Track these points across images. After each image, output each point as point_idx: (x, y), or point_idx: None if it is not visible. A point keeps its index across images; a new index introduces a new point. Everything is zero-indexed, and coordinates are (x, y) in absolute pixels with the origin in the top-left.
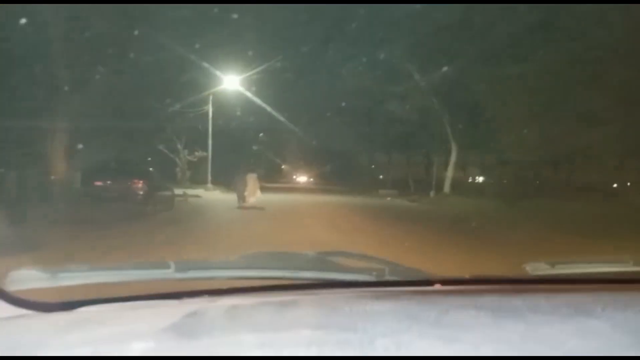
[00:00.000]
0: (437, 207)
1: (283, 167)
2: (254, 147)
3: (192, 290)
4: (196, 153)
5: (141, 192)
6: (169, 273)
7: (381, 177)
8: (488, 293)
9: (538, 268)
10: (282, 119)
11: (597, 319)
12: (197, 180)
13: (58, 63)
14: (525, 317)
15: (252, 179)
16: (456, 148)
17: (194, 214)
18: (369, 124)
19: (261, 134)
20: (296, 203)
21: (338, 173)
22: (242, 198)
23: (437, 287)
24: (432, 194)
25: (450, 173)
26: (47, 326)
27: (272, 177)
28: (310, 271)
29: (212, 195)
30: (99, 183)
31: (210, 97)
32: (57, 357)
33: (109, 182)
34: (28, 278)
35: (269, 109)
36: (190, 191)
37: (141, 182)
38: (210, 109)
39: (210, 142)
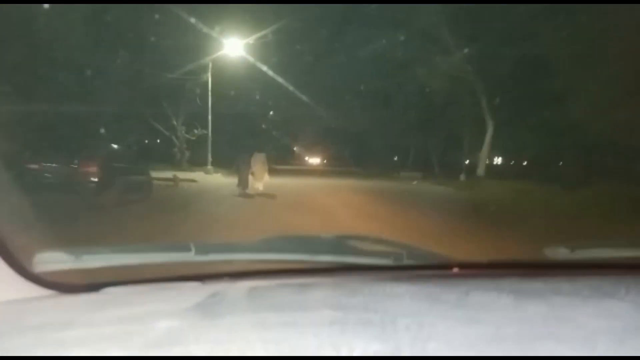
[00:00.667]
0: (477, 194)
1: (295, 148)
2: (263, 126)
3: (213, 273)
4: (195, 131)
5: (94, 178)
6: (190, 256)
7: (395, 158)
8: (508, 276)
9: (558, 252)
10: (292, 90)
11: (620, 301)
12: (198, 162)
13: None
14: (547, 298)
15: (259, 160)
16: (492, 125)
17: (177, 205)
18: (388, 100)
19: (271, 112)
20: (310, 189)
21: (353, 155)
22: (244, 183)
23: (456, 270)
24: (462, 177)
25: (485, 153)
26: (74, 305)
27: (283, 159)
28: (328, 254)
29: (212, 180)
30: (34, 166)
31: (210, 65)
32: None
33: (48, 164)
34: (53, 260)
35: (279, 79)
36: (186, 175)
37: (93, 164)
38: (209, 78)
39: (210, 117)
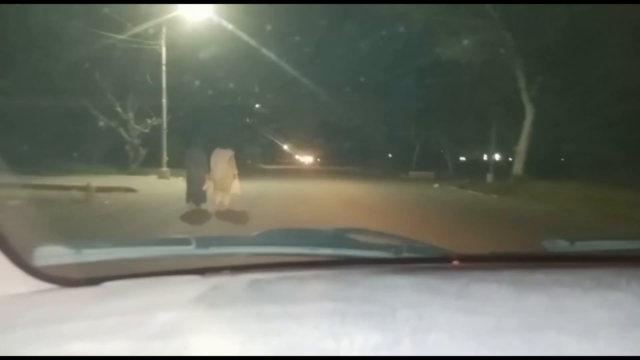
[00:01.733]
0: (536, 204)
1: (284, 146)
2: (248, 120)
3: (214, 266)
4: (148, 121)
5: None
6: (191, 249)
7: (391, 155)
8: (508, 269)
9: (558, 245)
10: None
11: (621, 292)
12: (158, 163)
13: None
14: (548, 289)
15: (222, 160)
16: (533, 112)
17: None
18: (389, 88)
19: (257, 105)
20: (300, 200)
21: (350, 151)
22: (197, 195)
23: (456, 263)
24: (489, 177)
25: (523, 147)
26: (74, 299)
27: (270, 158)
28: (329, 247)
29: (163, 187)
30: None
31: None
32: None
33: None
34: (53, 253)
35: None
36: (129, 180)
37: None
38: (163, 47)
39: (164, 102)
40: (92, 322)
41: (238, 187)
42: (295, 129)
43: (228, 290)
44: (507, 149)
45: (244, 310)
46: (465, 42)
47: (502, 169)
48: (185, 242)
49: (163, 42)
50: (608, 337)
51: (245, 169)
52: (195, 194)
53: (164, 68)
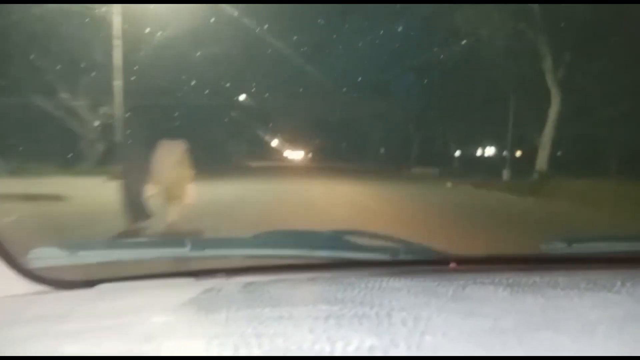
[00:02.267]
0: (591, 210)
1: (274, 141)
2: (232, 114)
3: (208, 269)
4: (100, 110)
5: None
6: (185, 251)
7: (384, 150)
8: (505, 271)
9: (555, 247)
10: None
11: (616, 293)
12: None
13: None
14: (544, 291)
15: (170, 158)
16: (559, 98)
17: None
18: (390, 73)
19: (243, 96)
20: (293, 203)
21: (343, 146)
22: (137, 210)
23: (453, 265)
24: (505, 174)
25: (548, 138)
26: (69, 300)
27: (258, 154)
28: (325, 250)
29: (104, 194)
30: None
31: None
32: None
33: None
34: (48, 255)
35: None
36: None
37: None
38: (114, 16)
39: (117, 85)
40: (85, 324)
41: (193, 195)
42: (285, 122)
43: (222, 293)
44: (521, 142)
45: (238, 313)
46: (484, 12)
47: (516, 164)
48: (180, 244)
49: (115, 9)
50: (603, 336)
51: (228, 167)
52: (134, 207)
53: (117, 43)
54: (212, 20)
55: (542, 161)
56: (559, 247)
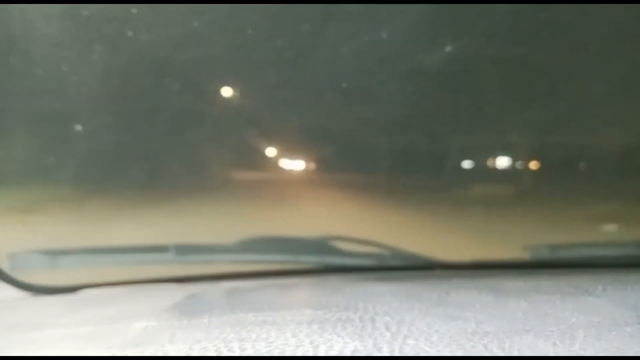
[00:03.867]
0: None
1: (267, 148)
2: (212, 113)
3: (192, 275)
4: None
5: None
6: (169, 257)
7: (404, 155)
8: (489, 276)
9: (539, 252)
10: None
11: (597, 297)
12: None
13: None
14: (528, 296)
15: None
16: None
17: None
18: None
19: (227, 90)
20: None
21: (352, 154)
22: None
23: (438, 271)
24: None
25: None
26: (48, 307)
27: (246, 164)
28: (311, 255)
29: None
30: None
31: None
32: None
33: None
34: (28, 260)
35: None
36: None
37: None
38: None
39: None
40: (65, 330)
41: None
42: (280, 123)
43: (205, 298)
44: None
45: (221, 318)
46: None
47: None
48: (163, 249)
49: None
50: (583, 339)
51: (204, 181)
52: None
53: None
54: (196, 23)
55: None
56: (544, 253)
